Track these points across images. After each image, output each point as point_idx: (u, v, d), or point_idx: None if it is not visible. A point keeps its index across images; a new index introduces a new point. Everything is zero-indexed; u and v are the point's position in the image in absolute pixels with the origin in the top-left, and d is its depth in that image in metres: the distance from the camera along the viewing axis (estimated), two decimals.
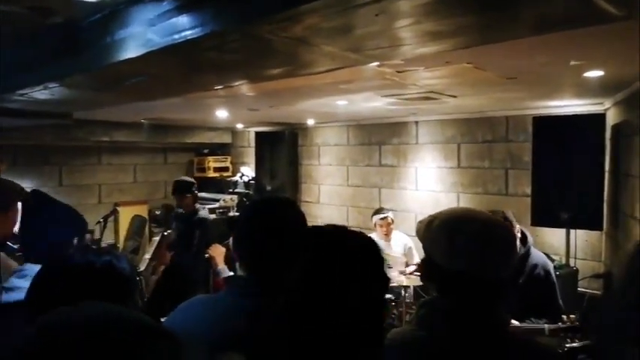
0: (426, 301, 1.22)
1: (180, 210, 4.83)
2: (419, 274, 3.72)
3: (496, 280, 1.15)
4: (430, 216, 1.27)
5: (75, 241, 1.67)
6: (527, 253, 2.59)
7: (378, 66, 2.60)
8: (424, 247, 1.25)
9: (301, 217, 1.40)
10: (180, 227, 4.68)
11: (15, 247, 3.20)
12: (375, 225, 4.76)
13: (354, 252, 0.97)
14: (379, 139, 6.13)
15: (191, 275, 4.56)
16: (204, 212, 4.90)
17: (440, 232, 1.19)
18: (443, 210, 1.28)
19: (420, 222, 1.29)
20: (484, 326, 1.12)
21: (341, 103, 4.44)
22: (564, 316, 2.31)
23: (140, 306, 2.93)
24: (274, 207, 1.41)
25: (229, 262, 2.74)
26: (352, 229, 1.04)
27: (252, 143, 7.01)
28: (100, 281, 1.12)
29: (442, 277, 1.18)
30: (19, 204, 1.99)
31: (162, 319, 1.35)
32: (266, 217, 1.36)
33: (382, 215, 4.71)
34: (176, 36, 1.87)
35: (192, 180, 4.84)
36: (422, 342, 1.13)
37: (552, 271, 2.66)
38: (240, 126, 7.41)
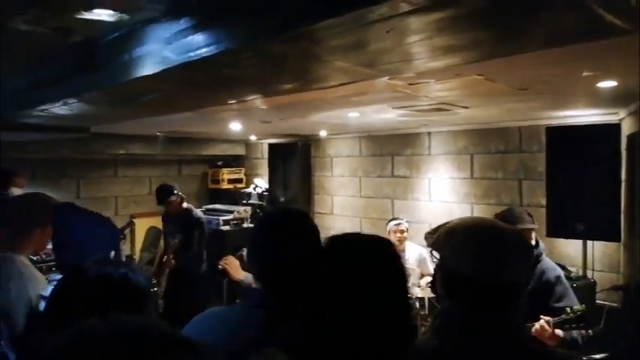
0: (441, 312, 1.22)
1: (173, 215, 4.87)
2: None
3: (512, 285, 1.15)
4: (443, 225, 1.28)
5: (112, 254, 1.69)
6: (538, 259, 2.58)
7: (390, 79, 2.62)
8: (441, 256, 1.25)
9: (314, 230, 1.42)
10: (177, 230, 4.72)
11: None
12: (389, 232, 4.77)
13: (369, 257, 0.99)
14: (391, 150, 6.13)
15: (195, 276, 4.59)
16: (197, 212, 4.93)
17: (456, 239, 1.20)
18: (455, 219, 1.29)
19: (429, 232, 1.30)
20: (501, 333, 1.12)
21: (353, 115, 4.47)
22: (567, 309, 2.30)
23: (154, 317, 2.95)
24: (288, 219, 1.43)
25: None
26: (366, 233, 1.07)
27: (266, 155, 7.06)
28: (117, 293, 1.15)
29: (458, 284, 1.18)
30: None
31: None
32: (280, 228, 1.38)
33: (397, 222, 4.73)
34: (192, 54, 1.91)
35: (170, 185, 4.89)
36: (439, 351, 1.13)
37: (563, 276, 2.65)
38: (253, 138, 7.47)
